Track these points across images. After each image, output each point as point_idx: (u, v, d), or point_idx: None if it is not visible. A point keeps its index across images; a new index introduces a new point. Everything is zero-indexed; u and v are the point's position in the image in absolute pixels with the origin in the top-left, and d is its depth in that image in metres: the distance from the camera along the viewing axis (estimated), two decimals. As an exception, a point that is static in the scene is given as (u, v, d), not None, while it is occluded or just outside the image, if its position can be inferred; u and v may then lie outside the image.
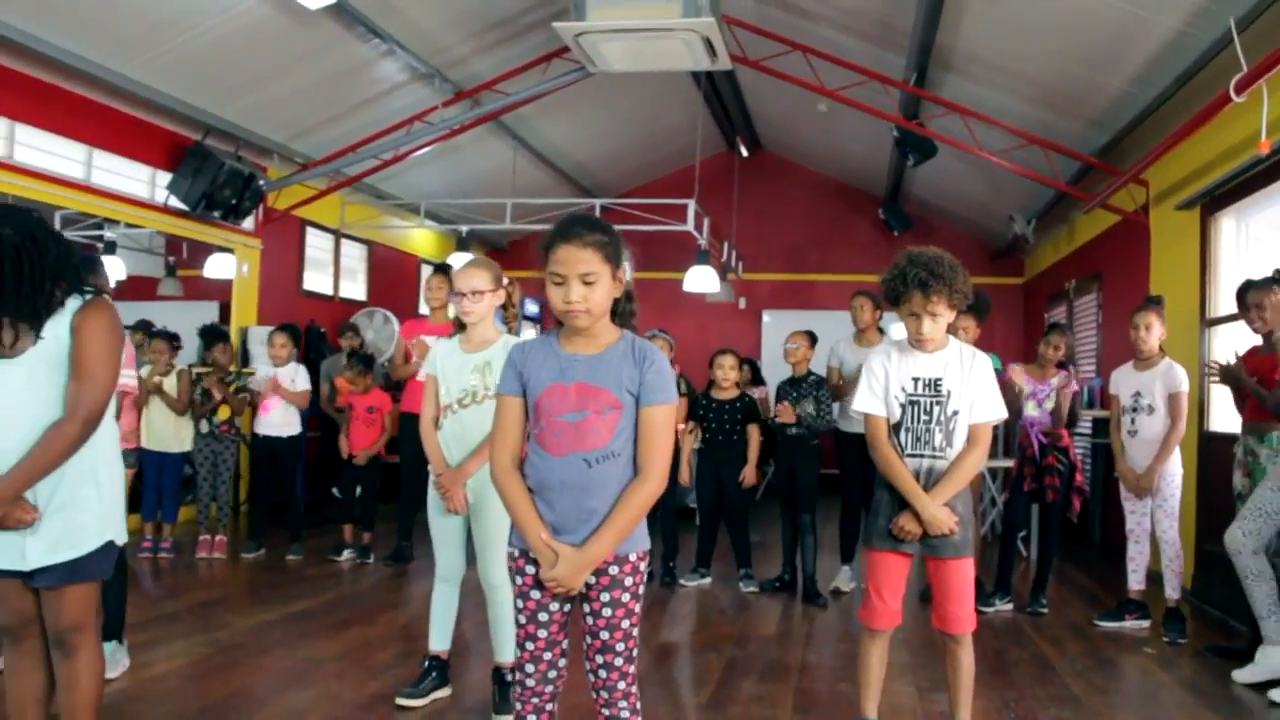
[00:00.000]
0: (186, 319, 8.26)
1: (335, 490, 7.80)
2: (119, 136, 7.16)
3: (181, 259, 9.01)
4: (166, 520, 6.52)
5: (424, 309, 8.82)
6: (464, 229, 9.70)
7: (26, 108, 6.40)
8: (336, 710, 3.68)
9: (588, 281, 2.36)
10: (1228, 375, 4.57)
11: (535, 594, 2.44)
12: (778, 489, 6.21)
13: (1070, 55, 6.37)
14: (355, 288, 10.20)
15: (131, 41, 6.39)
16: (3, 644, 2.73)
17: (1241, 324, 4.82)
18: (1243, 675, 4.23)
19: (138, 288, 8.56)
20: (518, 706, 2.50)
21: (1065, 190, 7.68)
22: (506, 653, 3.64)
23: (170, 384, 6.45)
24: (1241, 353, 4.61)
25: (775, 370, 8.24)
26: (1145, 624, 5.19)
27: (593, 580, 2.40)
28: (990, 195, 9.99)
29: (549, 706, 2.50)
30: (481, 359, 3.63)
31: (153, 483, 6.51)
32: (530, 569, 2.43)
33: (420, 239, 11.49)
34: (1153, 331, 5.12)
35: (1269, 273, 4.46)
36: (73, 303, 2.61)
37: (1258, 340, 4.60)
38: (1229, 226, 5.95)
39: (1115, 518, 7.35)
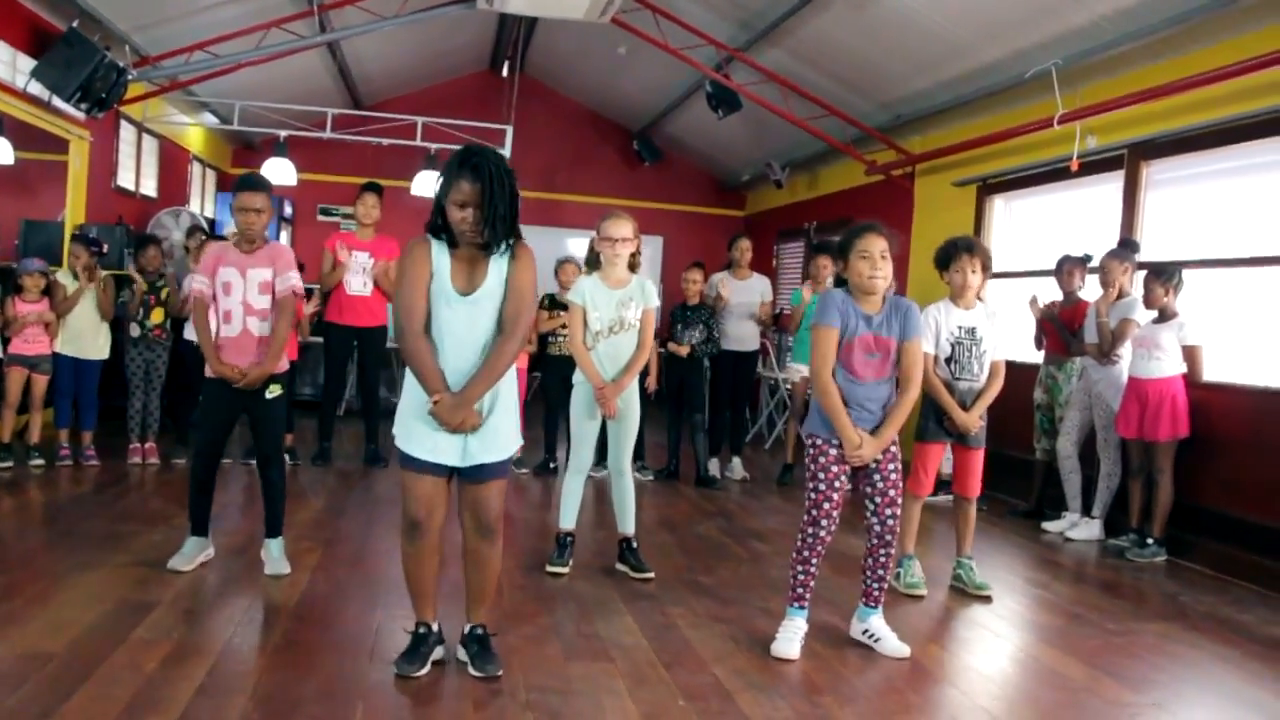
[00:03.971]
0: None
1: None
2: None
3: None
4: (85, 428, 6.46)
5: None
6: (283, 134, 9.70)
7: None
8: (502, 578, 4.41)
9: (884, 257, 3.53)
10: (1046, 314, 6.42)
11: (834, 468, 3.61)
12: (668, 397, 7.40)
13: (897, 58, 7.99)
14: (149, 184, 9.80)
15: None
16: (407, 537, 3.24)
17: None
18: (1052, 526, 6.19)
19: None
20: (805, 553, 3.66)
21: (848, 152, 9.42)
22: (629, 525, 4.66)
23: (90, 293, 6.41)
24: (1042, 302, 6.49)
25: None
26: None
27: (880, 456, 3.63)
28: (748, 143, 11.57)
29: (823, 550, 3.67)
30: (624, 294, 4.54)
31: (67, 389, 6.42)
32: (833, 450, 3.59)
33: (194, 136, 11.10)
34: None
35: (1078, 253, 6.35)
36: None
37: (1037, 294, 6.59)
38: (1000, 205, 7.97)
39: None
